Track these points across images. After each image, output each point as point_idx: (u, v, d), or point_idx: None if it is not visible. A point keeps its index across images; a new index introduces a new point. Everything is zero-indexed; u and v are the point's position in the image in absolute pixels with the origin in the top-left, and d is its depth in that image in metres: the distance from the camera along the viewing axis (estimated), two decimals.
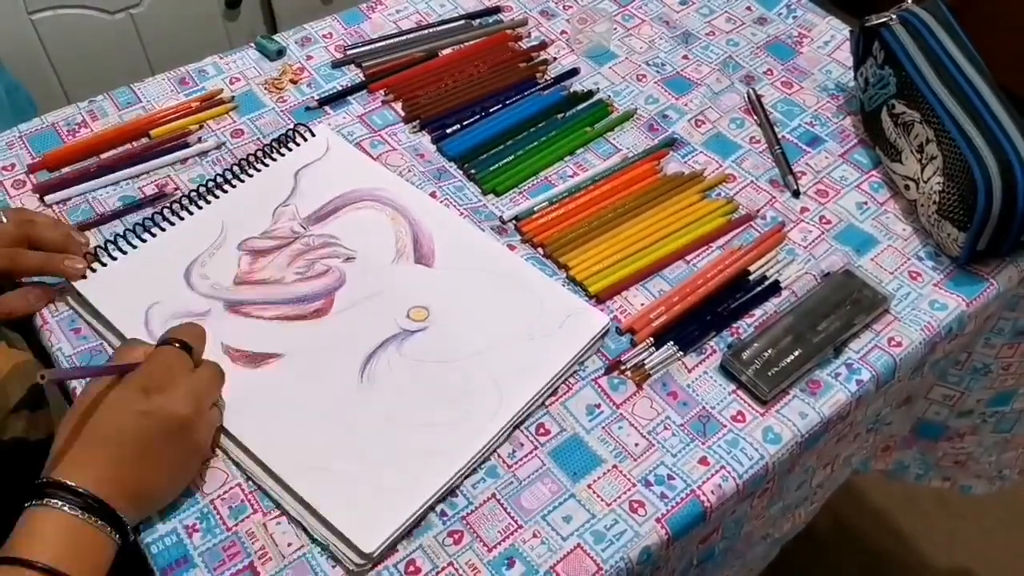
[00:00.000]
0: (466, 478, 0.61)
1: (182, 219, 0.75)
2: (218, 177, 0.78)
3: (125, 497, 0.54)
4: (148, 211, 0.76)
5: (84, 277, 0.69)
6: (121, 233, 0.73)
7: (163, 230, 0.74)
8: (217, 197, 0.77)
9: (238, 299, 0.70)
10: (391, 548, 0.58)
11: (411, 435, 0.62)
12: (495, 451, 0.63)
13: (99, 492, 0.52)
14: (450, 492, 0.60)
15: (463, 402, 0.64)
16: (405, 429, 0.63)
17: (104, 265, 0.71)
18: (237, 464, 0.62)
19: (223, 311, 0.69)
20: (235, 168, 0.79)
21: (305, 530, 0.58)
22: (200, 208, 0.76)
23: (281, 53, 0.92)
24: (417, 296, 0.70)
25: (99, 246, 0.72)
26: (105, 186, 0.79)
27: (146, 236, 0.74)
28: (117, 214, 0.77)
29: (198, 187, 0.77)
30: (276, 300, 0.70)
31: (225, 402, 0.63)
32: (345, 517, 0.58)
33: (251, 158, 0.80)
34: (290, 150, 0.81)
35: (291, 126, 0.83)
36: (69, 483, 0.52)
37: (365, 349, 0.67)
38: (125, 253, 0.72)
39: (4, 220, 0.68)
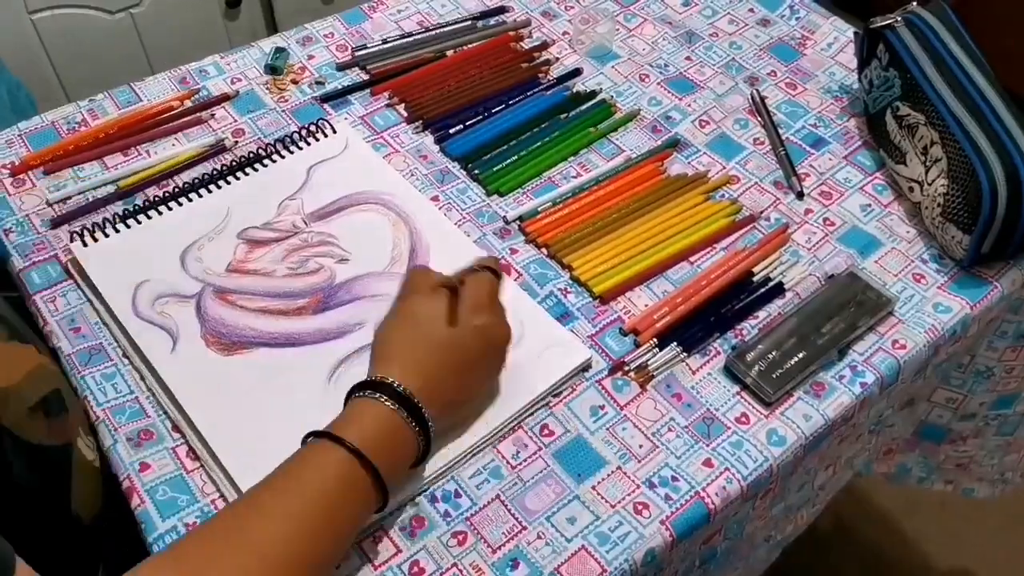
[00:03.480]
0: (422, 493, 0.60)
1: (190, 200, 0.76)
2: (233, 163, 0.78)
3: (439, 405, 0.57)
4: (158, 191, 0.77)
5: None
6: (131, 208, 0.74)
7: (170, 209, 0.75)
8: (228, 183, 0.77)
9: (227, 286, 0.70)
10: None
11: None
12: (454, 474, 0.61)
13: (420, 395, 0.55)
14: (399, 509, 0.59)
15: None
16: None
17: (107, 236, 0.72)
18: (191, 447, 0.61)
19: (211, 295, 0.69)
20: (251, 155, 0.79)
21: None
22: (210, 192, 0.76)
23: (282, 66, 0.90)
24: None
25: (106, 218, 0.73)
26: (105, 183, 0.78)
27: (152, 213, 0.74)
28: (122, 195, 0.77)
29: (211, 171, 0.77)
30: (263, 292, 0.70)
31: None
32: None
33: (268, 148, 0.80)
34: (308, 144, 0.81)
35: (314, 120, 0.83)
36: (394, 382, 0.55)
37: (339, 354, 0.66)
38: (129, 227, 0.73)
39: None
